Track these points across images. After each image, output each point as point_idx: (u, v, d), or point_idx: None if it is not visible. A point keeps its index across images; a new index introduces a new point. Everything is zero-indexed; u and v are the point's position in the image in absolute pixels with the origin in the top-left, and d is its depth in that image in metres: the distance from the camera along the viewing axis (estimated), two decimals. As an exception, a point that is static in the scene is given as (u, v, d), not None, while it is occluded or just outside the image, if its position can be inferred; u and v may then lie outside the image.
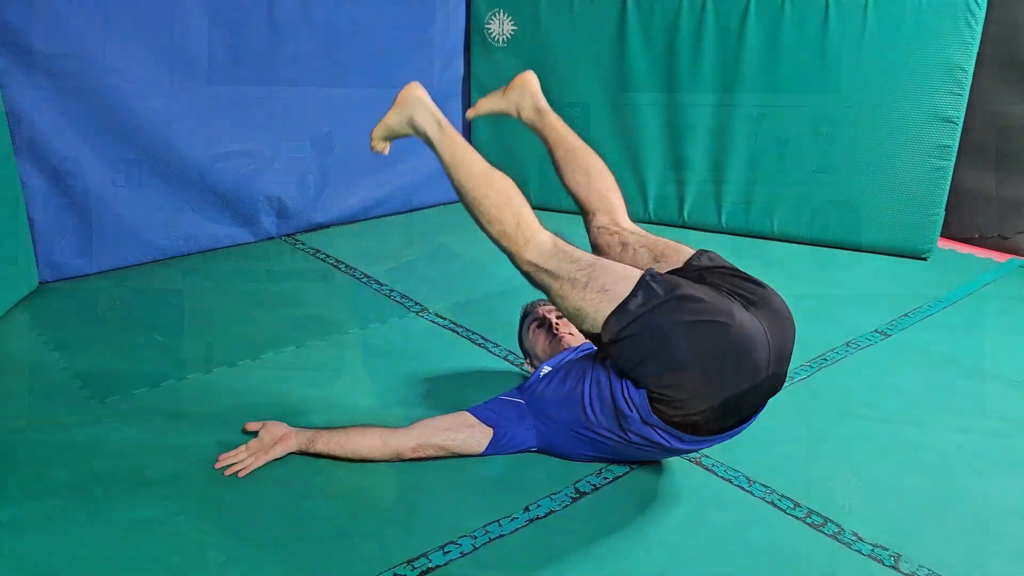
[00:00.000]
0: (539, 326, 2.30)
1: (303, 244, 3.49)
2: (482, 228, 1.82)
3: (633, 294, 1.71)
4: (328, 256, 3.37)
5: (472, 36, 3.85)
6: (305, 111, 3.48)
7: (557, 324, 2.27)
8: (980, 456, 2.14)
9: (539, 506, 1.88)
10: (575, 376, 1.93)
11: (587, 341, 2.12)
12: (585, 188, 2.13)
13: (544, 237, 1.79)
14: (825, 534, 1.83)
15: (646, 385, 1.74)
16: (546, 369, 2.06)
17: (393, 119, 2.02)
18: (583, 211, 2.14)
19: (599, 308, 1.73)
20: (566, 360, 2.07)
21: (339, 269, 3.25)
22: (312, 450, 1.98)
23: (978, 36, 3.18)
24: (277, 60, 3.34)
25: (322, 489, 1.90)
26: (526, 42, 3.77)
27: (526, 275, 1.82)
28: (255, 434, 2.04)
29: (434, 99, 3.77)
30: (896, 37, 3.25)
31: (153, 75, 3.04)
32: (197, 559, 1.68)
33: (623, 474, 2.01)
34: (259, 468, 1.95)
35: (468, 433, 1.99)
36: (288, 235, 3.58)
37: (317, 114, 3.52)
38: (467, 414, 2.01)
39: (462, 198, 1.84)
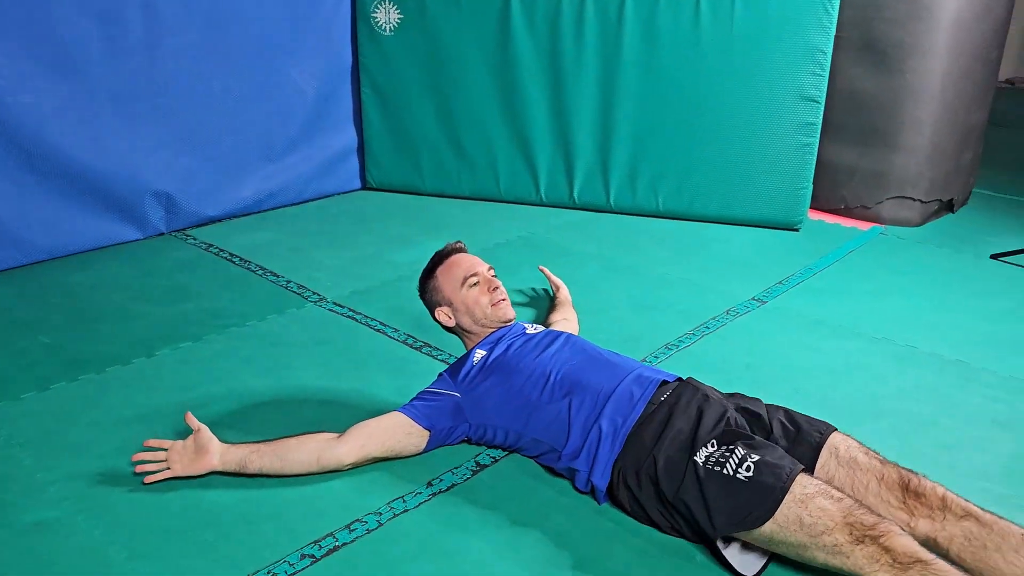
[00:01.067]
0: (474, 283, 2.08)
1: (195, 239, 3.44)
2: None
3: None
4: (222, 250, 3.34)
5: (359, 25, 3.86)
6: (189, 103, 3.42)
7: (497, 287, 2.11)
8: (846, 409, 2.34)
9: (441, 480, 1.96)
10: (529, 380, 1.92)
11: (522, 324, 2.17)
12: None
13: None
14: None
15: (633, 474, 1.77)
16: (480, 353, 2.03)
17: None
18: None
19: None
20: (507, 349, 2.02)
21: (233, 263, 3.22)
22: (245, 472, 1.88)
23: (835, 20, 3.41)
24: (157, 52, 3.27)
25: (223, 479, 1.91)
26: (413, 30, 3.81)
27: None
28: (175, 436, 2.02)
29: (322, 90, 3.87)
30: (761, 23, 3.45)
31: (24, 69, 2.93)
32: (100, 557, 1.68)
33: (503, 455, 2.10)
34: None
35: (405, 438, 1.94)
36: (178, 230, 3.52)
37: (201, 106, 3.46)
38: (400, 416, 1.95)
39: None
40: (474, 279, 2.08)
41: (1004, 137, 5.68)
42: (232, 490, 1.88)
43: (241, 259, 3.25)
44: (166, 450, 1.90)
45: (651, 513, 1.77)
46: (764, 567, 1.66)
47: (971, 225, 3.93)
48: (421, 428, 1.95)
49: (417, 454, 1.99)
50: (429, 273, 2.14)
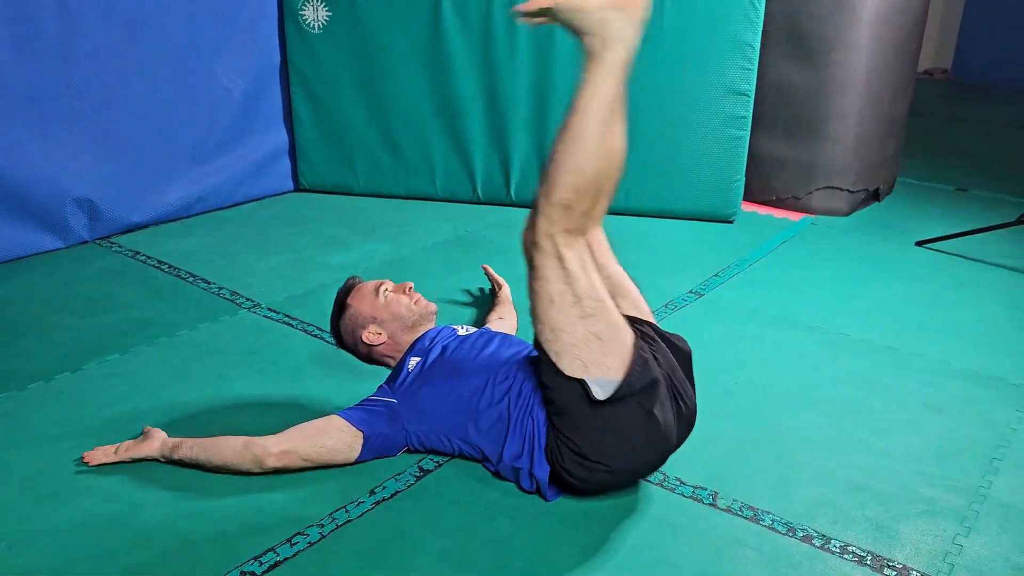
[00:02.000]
0: (386, 290, 2.08)
1: (120, 246, 3.32)
2: (553, 168, 1.59)
3: (631, 372, 1.66)
4: (149, 257, 3.22)
5: (286, 23, 3.77)
6: (109, 106, 3.29)
7: (410, 287, 2.13)
8: (783, 397, 2.38)
9: (384, 488, 1.92)
10: (469, 384, 1.90)
11: (452, 327, 2.15)
12: None
13: (583, 237, 1.64)
14: (652, 483, 1.98)
15: (568, 446, 1.75)
16: (414, 360, 2.01)
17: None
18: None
19: (583, 353, 1.64)
20: (443, 353, 2.01)
21: (161, 270, 3.12)
22: (175, 456, 1.90)
23: (762, 14, 3.46)
24: (73, 53, 3.14)
25: (156, 498, 1.84)
26: (343, 28, 3.74)
27: (534, 245, 1.62)
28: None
29: (251, 90, 3.77)
30: (690, 19, 3.49)
31: (-71, 73, 2.79)
32: (26, 585, 1.61)
33: (436, 467, 2.08)
34: (88, 483, 1.87)
35: (338, 437, 1.88)
36: (103, 238, 3.39)
37: (122, 109, 3.34)
38: (335, 418, 1.92)
39: (569, 131, 1.58)
40: (384, 287, 2.09)
41: (923, 126, 5.88)
42: (166, 507, 1.82)
43: (170, 266, 3.15)
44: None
45: (577, 472, 1.77)
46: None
47: (896, 213, 4.05)
48: (355, 430, 1.90)
49: (350, 463, 1.94)
50: (340, 309, 2.09)
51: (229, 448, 1.87)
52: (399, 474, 1.97)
